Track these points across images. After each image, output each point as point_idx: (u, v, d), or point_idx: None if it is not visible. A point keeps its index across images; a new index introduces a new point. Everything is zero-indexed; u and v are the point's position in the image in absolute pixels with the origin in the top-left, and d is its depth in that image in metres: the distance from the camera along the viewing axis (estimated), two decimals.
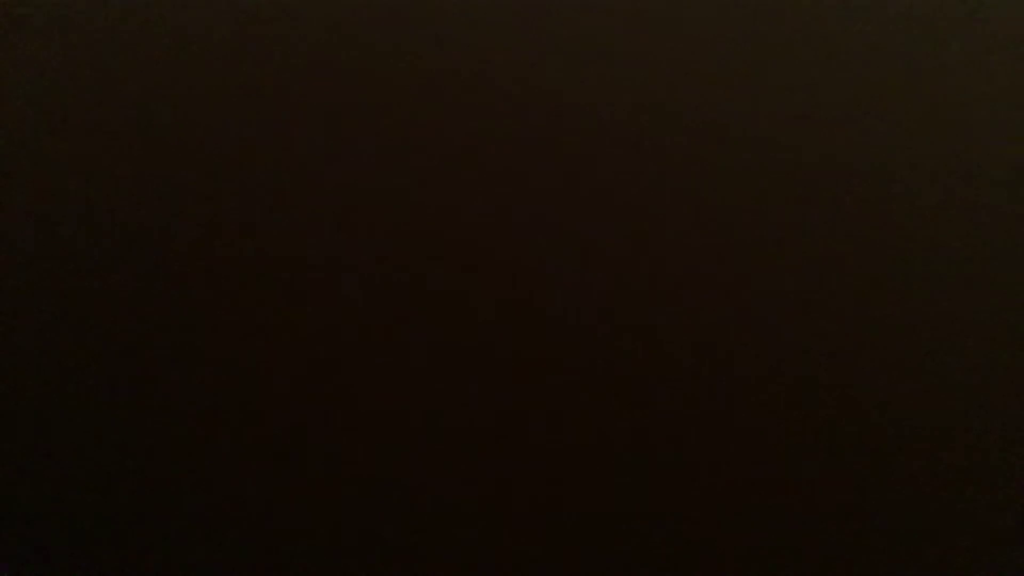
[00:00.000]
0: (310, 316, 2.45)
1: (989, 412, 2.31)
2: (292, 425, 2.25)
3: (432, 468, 2.19)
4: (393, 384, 2.33)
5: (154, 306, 2.46)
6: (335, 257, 2.59)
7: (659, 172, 2.83)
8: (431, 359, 2.38)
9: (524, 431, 2.26)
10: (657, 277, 2.56)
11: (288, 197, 2.73)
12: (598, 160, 2.86)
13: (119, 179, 2.77)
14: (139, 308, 2.46)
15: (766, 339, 2.44)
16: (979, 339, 2.45)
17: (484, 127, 2.94)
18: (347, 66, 3.12)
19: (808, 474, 2.20)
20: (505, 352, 2.40)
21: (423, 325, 2.45)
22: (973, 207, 2.76)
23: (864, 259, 2.62)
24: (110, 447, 2.20)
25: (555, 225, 2.68)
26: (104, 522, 2.08)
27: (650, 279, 2.56)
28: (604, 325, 2.46)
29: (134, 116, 2.94)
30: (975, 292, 2.56)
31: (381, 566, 2.04)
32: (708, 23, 3.31)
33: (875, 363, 2.40)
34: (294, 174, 2.80)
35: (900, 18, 3.35)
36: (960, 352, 2.43)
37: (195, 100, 3.00)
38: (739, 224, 2.69)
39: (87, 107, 2.96)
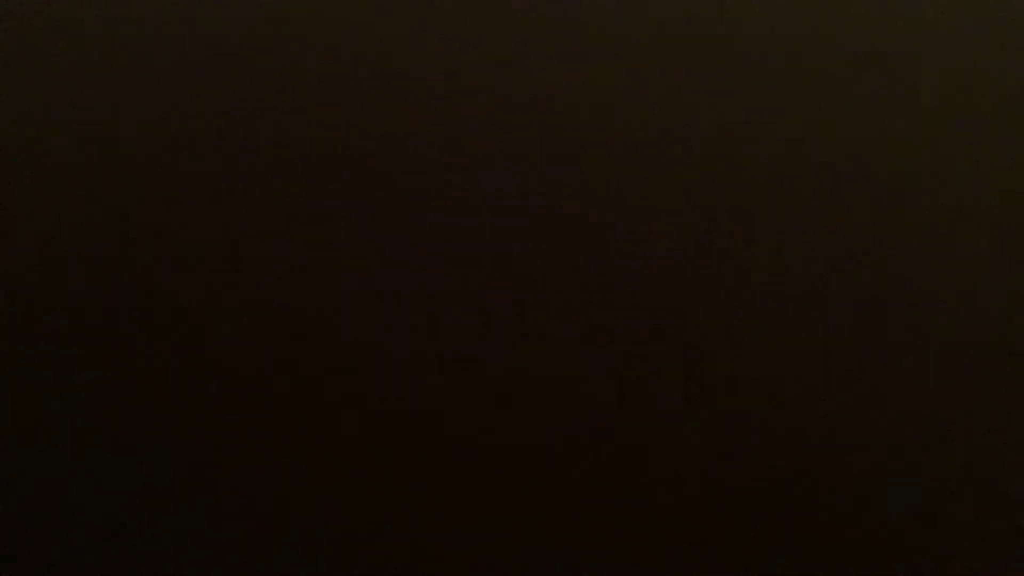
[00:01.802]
0: (309, 316, 2.45)
1: (990, 412, 2.31)
2: (292, 425, 2.25)
3: (431, 468, 2.19)
4: (392, 384, 2.33)
5: (154, 306, 2.47)
6: (334, 258, 2.59)
7: (658, 173, 2.83)
8: (430, 359, 2.38)
9: (523, 432, 2.26)
10: (656, 278, 2.56)
11: (287, 198, 2.73)
12: (597, 161, 2.86)
13: (118, 178, 2.77)
14: (138, 308, 2.46)
15: (767, 339, 2.44)
16: (980, 339, 2.46)
17: (483, 128, 2.94)
18: (345, 67, 3.12)
19: (807, 475, 2.20)
20: (504, 352, 2.40)
21: (422, 325, 2.45)
22: (973, 207, 2.76)
23: (866, 259, 2.62)
24: (109, 447, 2.20)
25: (555, 225, 2.68)
26: (103, 522, 2.08)
27: (650, 280, 2.56)
28: (604, 325, 2.46)
29: (132, 116, 2.94)
30: (975, 292, 2.56)
31: (381, 566, 2.04)
32: (707, 24, 3.31)
33: (875, 364, 2.40)
34: (294, 175, 2.80)
35: (900, 18, 3.35)
36: (961, 352, 2.43)
37: (194, 100, 3.00)
38: (739, 224, 2.70)
39: (85, 106, 2.97)
